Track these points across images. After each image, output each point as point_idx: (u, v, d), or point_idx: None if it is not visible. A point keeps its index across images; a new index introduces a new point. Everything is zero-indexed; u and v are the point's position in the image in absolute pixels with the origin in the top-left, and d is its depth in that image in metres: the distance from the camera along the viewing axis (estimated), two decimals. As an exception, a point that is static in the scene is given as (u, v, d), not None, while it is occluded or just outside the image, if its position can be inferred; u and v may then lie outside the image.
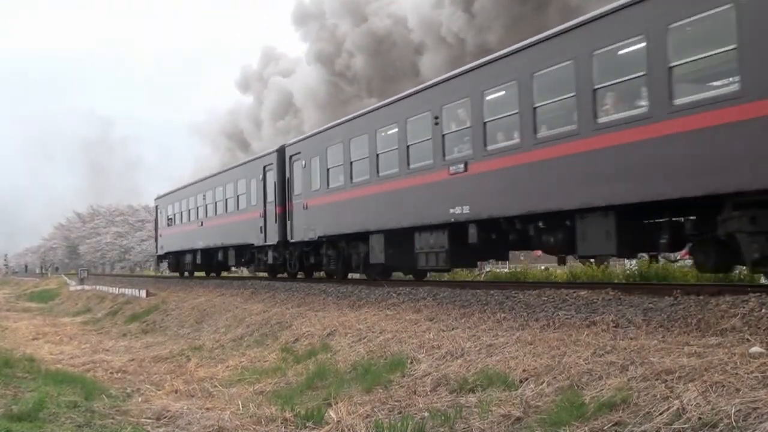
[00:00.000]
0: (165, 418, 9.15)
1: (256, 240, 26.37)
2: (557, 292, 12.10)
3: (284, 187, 24.10)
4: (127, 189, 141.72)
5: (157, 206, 43.85)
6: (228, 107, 74.37)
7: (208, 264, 35.17)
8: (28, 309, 42.69)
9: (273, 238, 24.71)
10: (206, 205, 33.06)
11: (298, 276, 26.20)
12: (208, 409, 9.63)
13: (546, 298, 11.93)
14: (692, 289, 10.74)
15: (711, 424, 5.77)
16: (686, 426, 5.91)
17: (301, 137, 24.15)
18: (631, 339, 8.74)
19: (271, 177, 25.06)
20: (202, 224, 33.37)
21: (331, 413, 8.61)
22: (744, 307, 8.74)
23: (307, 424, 8.39)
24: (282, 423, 8.54)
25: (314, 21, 49.98)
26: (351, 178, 19.60)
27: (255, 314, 19.10)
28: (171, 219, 39.21)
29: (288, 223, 23.63)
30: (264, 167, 25.85)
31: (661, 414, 6.25)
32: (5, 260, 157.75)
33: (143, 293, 32.72)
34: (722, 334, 8.26)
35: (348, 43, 44.68)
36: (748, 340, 7.77)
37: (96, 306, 37.15)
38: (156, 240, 43.69)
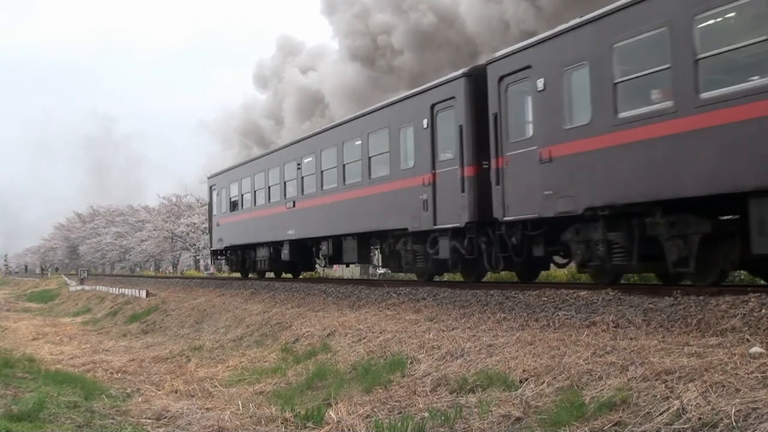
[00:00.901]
0: (165, 418, 9.16)
1: (413, 222, 17.14)
2: (557, 293, 12.10)
3: (483, 132, 14.93)
4: (130, 186, 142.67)
5: (211, 187, 34.10)
6: (241, 103, 73.49)
7: (304, 260, 25.56)
8: (28, 309, 42.71)
9: (455, 217, 15.67)
10: (302, 178, 23.28)
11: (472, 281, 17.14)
12: (208, 409, 9.64)
13: (546, 299, 11.93)
14: (692, 289, 10.72)
15: (711, 424, 5.77)
16: (686, 426, 5.91)
17: (539, 38, 13.76)
18: (631, 339, 8.75)
19: (450, 120, 15.98)
20: (293, 205, 23.68)
21: (331, 413, 8.61)
22: (744, 307, 8.74)
23: (307, 424, 8.40)
24: (282, 423, 8.54)
25: (344, 11, 46.98)
26: (698, 89, 10.16)
27: (255, 314, 19.11)
28: (235, 202, 29.99)
29: (496, 189, 14.39)
30: (432, 107, 16.54)
31: (661, 414, 6.25)
32: (5, 260, 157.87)
33: (143, 293, 32.74)
34: (722, 334, 8.26)
35: (393, 40, 42.41)
36: (748, 340, 7.77)
37: (96, 306, 37.18)
38: (210, 231, 34.74)
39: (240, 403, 9.83)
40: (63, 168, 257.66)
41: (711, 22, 10.13)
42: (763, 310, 8.49)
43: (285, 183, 24.70)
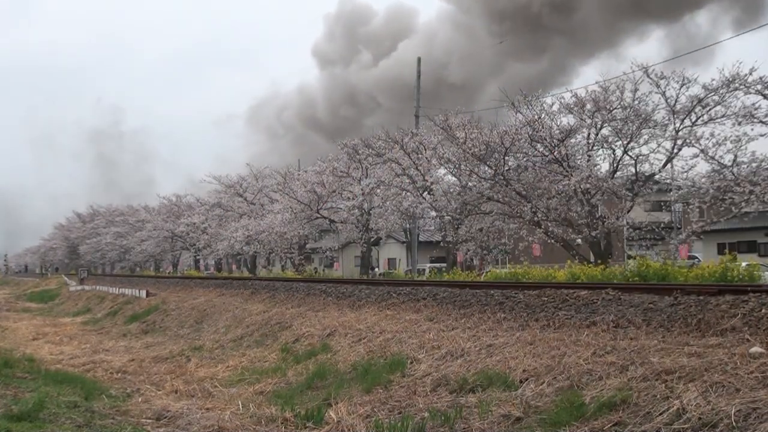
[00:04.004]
0: (165, 418, 9.15)
1: None
2: (557, 293, 12.09)
3: None
4: (140, 183, 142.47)
5: None
6: (291, 89, 71.76)
7: None
8: (28, 309, 42.70)
9: None
10: None
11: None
12: (208, 409, 9.63)
13: (546, 299, 11.92)
14: (692, 289, 10.73)
15: (711, 424, 5.77)
16: (686, 426, 5.91)
17: None
18: (631, 339, 8.74)
19: None
20: None
21: (331, 413, 8.61)
22: (744, 307, 8.74)
23: (307, 424, 8.39)
24: (282, 423, 8.53)
25: None
26: None
27: (255, 314, 19.11)
28: None
29: None
30: None
31: (661, 414, 6.25)
32: (5, 260, 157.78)
33: (143, 293, 32.76)
34: (722, 334, 8.26)
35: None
36: (748, 340, 7.77)
37: (96, 306, 37.19)
38: None
39: (240, 403, 9.83)
40: (68, 164, 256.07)
41: None
42: (763, 310, 8.48)
43: None
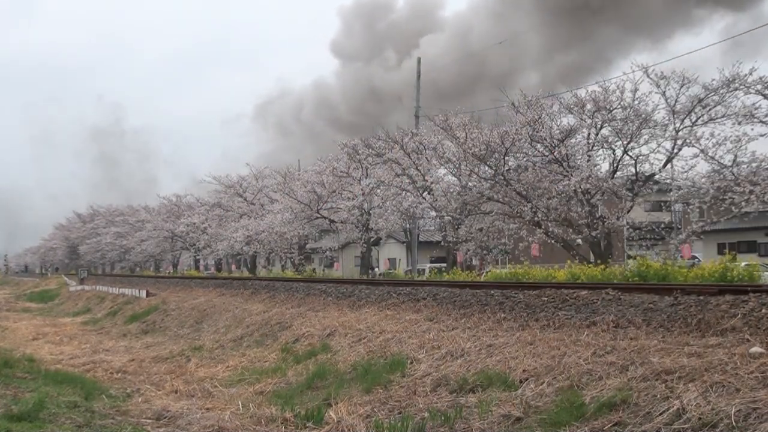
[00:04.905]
0: (165, 418, 9.15)
1: None
2: (557, 293, 12.09)
3: None
4: (142, 182, 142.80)
5: None
6: (300, 87, 71.54)
7: None
8: (28, 309, 42.70)
9: None
10: None
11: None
12: (208, 409, 9.63)
13: (546, 299, 11.92)
14: (692, 289, 10.72)
15: (711, 424, 5.77)
16: (686, 426, 5.91)
17: None
18: (631, 339, 8.74)
19: None
20: None
21: (331, 413, 8.61)
22: (744, 307, 8.74)
23: (307, 424, 8.39)
24: (282, 423, 8.53)
25: None
26: None
27: (255, 314, 19.11)
28: None
29: None
30: None
31: (661, 414, 6.25)
32: (5, 260, 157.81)
33: (143, 293, 32.78)
34: (722, 334, 8.26)
35: None
36: (748, 340, 7.77)
37: (96, 306, 37.20)
38: None
39: (240, 403, 9.83)
40: (69, 163, 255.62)
41: None
42: (763, 310, 8.48)
43: None
